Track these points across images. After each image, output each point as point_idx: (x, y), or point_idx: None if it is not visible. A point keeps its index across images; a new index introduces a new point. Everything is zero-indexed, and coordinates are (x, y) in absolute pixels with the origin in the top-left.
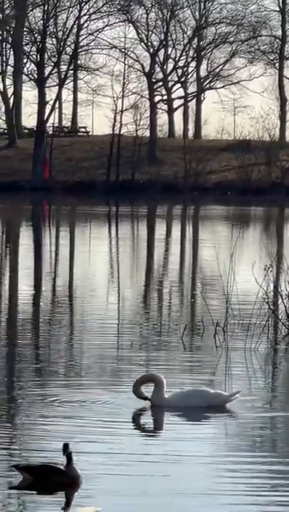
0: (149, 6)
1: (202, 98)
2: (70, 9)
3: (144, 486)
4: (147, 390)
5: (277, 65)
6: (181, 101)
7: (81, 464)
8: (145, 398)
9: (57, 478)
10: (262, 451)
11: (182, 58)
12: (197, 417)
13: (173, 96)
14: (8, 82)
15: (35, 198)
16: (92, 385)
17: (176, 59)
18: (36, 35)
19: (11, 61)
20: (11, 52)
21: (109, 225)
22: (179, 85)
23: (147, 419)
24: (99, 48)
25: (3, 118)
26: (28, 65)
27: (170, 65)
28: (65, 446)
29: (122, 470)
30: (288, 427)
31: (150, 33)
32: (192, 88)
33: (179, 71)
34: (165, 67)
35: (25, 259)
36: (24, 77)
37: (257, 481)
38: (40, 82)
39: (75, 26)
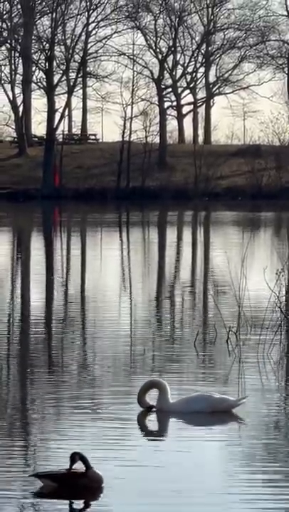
0: (157, 12)
1: (211, 103)
2: (78, 17)
3: (155, 492)
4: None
5: (285, 69)
6: (191, 107)
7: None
8: (150, 408)
9: (81, 483)
10: (268, 459)
11: (191, 64)
12: (203, 422)
13: (182, 102)
14: (18, 90)
15: (47, 206)
16: (104, 392)
17: (185, 65)
18: (45, 43)
19: (20, 70)
20: (20, 61)
21: (121, 231)
22: (188, 91)
23: (155, 425)
24: (107, 55)
25: (13, 126)
26: (36, 73)
27: (179, 71)
28: (73, 457)
29: (133, 477)
30: None
31: (158, 39)
32: (201, 94)
33: (188, 77)
34: (174, 73)
35: (38, 266)
36: (33, 85)
37: (265, 489)
38: (50, 90)
39: (83, 34)
